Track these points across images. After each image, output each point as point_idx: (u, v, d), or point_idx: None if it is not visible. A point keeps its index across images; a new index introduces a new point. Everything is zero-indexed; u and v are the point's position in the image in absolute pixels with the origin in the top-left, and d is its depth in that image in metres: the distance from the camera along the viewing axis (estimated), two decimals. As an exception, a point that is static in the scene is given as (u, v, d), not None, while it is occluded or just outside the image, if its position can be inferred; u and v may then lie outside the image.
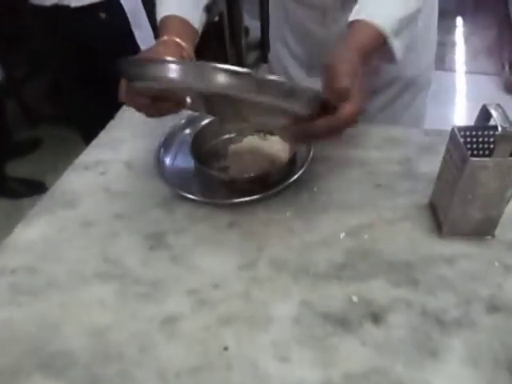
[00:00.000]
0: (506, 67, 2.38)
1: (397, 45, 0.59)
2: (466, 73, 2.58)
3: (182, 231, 0.63)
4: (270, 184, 0.66)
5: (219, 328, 0.51)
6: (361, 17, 0.58)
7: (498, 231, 0.58)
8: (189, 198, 0.66)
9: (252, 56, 2.70)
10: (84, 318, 0.54)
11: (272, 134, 0.77)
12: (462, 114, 2.28)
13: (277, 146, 0.75)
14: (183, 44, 0.61)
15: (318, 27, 0.81)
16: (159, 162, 0.72)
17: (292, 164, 0.70)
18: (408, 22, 0.60)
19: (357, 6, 0.60)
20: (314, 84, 0.53)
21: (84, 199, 0.70)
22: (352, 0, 0.62)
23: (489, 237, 0.58)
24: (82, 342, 0.51)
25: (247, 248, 0.60)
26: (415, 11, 0.61)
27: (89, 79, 1.62)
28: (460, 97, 2.40)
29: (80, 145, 1.50)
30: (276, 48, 0.94)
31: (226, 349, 0.49)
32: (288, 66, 0.92)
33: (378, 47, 0.58)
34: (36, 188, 1.90)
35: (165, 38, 0.61)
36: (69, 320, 0.54)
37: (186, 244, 0.61)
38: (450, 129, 0.56)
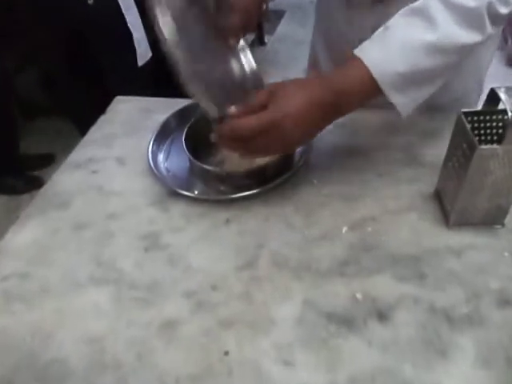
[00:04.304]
0: (510, 41, 2.32)
1: (400, 101, 0.53)
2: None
3: (177, 230, 0.61)
4: (268, 177, 0.64)
5: (219, 332, 0.49)
6: (362, 56, 0.52)
7: (507, 220, 0.55)
8: (184, 195, 0.64)
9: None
10: (79, 326, 0.52)
11: None
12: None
13: None
14: None
15: (342, 20, 0.75)
16: (152, 158, 0.69)
17: (290, 156, 0.67)
18: (421, 79, 0.53)
19: (366, 42, 0.54)
20: None
21: (76, 199, 0.67)
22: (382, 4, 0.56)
23: (498, 226, 0.55)
24: (77, 351, 0.50)
25: (246, 246, 0.58)
26: (434, 68, 0.52)
27: (81, 69, 1.59)
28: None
29: (76, 137, 1.48)
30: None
31: (226, 353, 0.47)
32: (318, 51, 0.88)
33: (372, 94, 0.53)
34: (34, 183, 1.88)
35: None
36: (64, 328, 0.52)
37: (183, 244, 0.59)
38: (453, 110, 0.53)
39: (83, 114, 1.30)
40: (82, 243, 0.61)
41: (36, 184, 1.85)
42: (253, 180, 0.63)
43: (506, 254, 0.53)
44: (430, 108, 0.74)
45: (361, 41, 0.55)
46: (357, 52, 0.54)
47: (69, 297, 0.55)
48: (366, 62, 0.52)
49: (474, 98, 0.81)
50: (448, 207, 0.56)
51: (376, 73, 0.51)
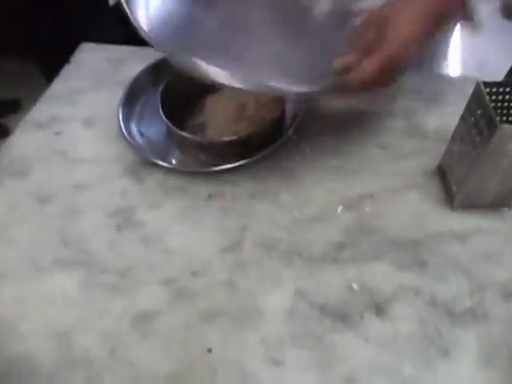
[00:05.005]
0: (506, -12, 2.19)
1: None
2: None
3: (153, 206, 0.54)
4: (255, 146, 0.57)
5: (201, 325, 0.45)
6: None
7: (515, 201, 0.51)
8: (161, 165, 0.57)
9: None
10: (45, 316, 0.46)
11: None
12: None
13: (263, 97, 0.64)
14: None
15: None
16: (123, 120, 0.61)
17: (281, 121, 0.60)
18: None
19: None
20: None
21: (37, 167, 0.59)
22: None
23: (505, 208, 0.51)
24: (43, 345, 0.44)
25: (230, 225, 0.52)
26: None
27: (44, 3, 1.42)
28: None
29: (44, 83, 1.35)
30: None
31: (209, 350, 0.43)
32: None
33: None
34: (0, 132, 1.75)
35: None
36: (27, 318, 0.46)
37: (159, 221, 0.53)
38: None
39: (48, 55, 1.17)
40: (46, 219, 0.54)
41: (2, 133, 1.72)
42: (238, 149, 0.57)
43: (513, 240, 0.49)
44: None
45: None
46: None
47: (32, 282, 0.49)
48: None
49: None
50: (454, 187, 0.51)
51: None
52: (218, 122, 0.62)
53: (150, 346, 0.44)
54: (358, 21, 0.51)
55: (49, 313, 0.47)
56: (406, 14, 0.46)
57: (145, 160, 0.58)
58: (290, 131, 0.58)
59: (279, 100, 0.61)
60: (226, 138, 0.57)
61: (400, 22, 0.46)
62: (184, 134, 0.57)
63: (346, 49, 0.48)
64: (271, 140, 0.57)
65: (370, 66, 0.45)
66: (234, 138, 0.56)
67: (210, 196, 0.55)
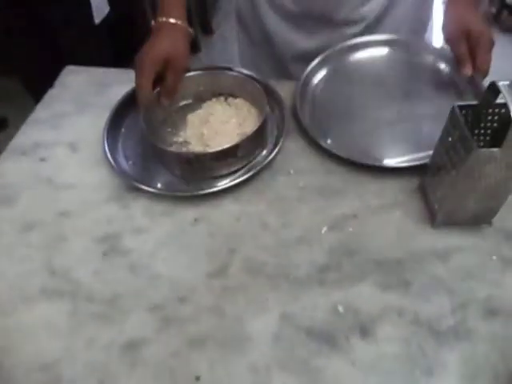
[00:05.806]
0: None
1: None
2: None
3: (139, 231, 0.55)
4: (240, 157, 0.57)
5: (189, 352, 0.45)
6: None
7: (495, 218, 0.52)
8: (145, 190, 0.57)
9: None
10: (30, 348, 0.46)
11: (235, 96, 0.67)
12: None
13: (243, 111, 0.65)
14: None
15: None
16: (108, 145, 0.61)
17: (262, 132, 0.60)
18: None
19: None
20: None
21: (22, 194, 0.59)
22: None
23: (485, 225, 0.52)
24: (29, 379, 0.44)
25: (216, 250, 0.52)
26: None
27: (30, 25, 1.42)
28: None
29: (30, 99, 1.34)
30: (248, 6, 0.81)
31: (197, 378, 0.43)
32: (269, 22, 0.78)
33: None
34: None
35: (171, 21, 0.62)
36: (12, 350, 0.46)
37: (146, 247, 0.53)
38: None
39: (35, 75, 1.16)
40: (31, 248, 0.54)
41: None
42: (223, 161, 0.57)
43: (494, 257, 0.50)
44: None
45: None
46: None
47: (17, 313, 0.49)
48: None
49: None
50: (435, 206, 0.52)
51: None
52: (202, 137, 0.62)
53: (138, 378, 0.44)
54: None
55: (35, 344, 0.46)
56: (474, 21, 0.61)
57: (130, 185, 0.58)
58: (274, 153, 0.59)
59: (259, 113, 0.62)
60: (211, 150, 0.57)
61: (475, 24, 0.60)
62: (168, 148, 0.57)
63: (461, 61, 0.62)
64: (254, 149, 0.58)
65: (486, 61, 0.59)
66: (219, 149, 0.56)
67: (195, 220, 0.55)
